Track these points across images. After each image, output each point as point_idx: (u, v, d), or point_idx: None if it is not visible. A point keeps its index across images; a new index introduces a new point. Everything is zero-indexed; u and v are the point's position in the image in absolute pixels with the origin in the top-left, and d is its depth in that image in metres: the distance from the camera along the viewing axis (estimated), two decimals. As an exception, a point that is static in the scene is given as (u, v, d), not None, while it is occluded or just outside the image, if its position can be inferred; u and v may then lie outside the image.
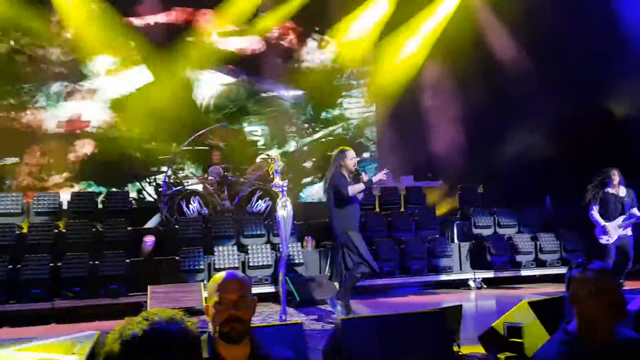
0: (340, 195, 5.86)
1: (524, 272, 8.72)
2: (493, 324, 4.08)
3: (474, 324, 5.17)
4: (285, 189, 5.04)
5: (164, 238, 7.85)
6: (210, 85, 11.32)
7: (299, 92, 11.92)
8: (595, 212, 7.08)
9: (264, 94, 11.67)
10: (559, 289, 7.26)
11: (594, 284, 2.05)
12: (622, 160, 8.50)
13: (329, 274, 6.91)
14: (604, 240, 7.04)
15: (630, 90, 9.66)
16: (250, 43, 11.58)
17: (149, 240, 7.57)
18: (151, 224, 8.95)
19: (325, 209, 9.26)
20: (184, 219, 8.04)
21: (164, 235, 7.96)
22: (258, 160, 9.74)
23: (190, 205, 8.26)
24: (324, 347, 3.84)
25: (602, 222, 7.01)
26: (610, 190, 7.11)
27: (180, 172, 9.17)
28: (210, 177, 8.82)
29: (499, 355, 3.87)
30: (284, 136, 11.72)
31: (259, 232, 7.95)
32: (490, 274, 8.58)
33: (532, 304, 3.82)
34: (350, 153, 5.98)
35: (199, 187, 8.69)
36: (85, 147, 10.37)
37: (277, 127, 11.65)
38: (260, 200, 8.57)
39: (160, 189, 8.71)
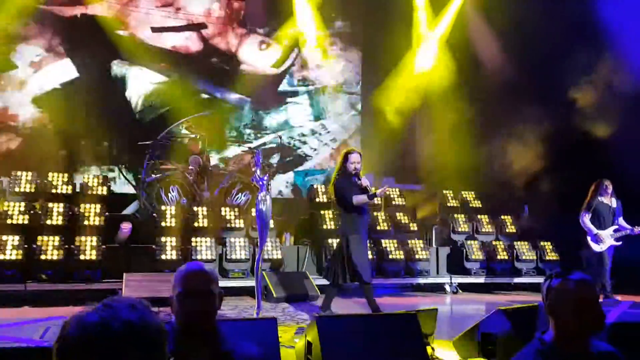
0: (344, 201, 5.75)
1: (500, 279, 8.80)
2: (467, 330, 4.10)
3: (448, 328, 5.18)
4: (265, 183, 4.98)
5: (141, 226, 7.75)
6: (142, 83, 10.54)
7: (240, 96, 11.11)
8: (587, 220, 7.08)
9: (202, 96, 10.92)
10: (533, 297, 7.34)
11: (574, 294, 2.03)
12: (600, 174, 8.64)
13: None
14: (597, 248, 7.05)
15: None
16: (186, 41, 10.96)
17: (126, 227, 7.47)
18: (129, 210, 8.84)
19: (304, 206, 9.33)
20: (162, 207, 7.94)
21: (141, 222, 7.86)
22: (240, 152, 9.64)
23: (169, 194, 8.17)
24: (297, 345, 3.82)
25: (594, 230, 7.03)
26: (603, 199, 7.15)
27: (160, 160, 9.03)
28: (190, 167, 8.73)
29: (471, 360, 3.89)
30: (224, 141, 10.87)
31: (237, 226, 7.89)
32: (466, 280, 8.65)
33: (506, 312, 3.84)
34: (353, 156, 5.81)
35: (179, 176, 8.60)
36: (10, 142, 9.68)
37: (216, 131, 10.57)
38: (240, 194, 8.51)
39: (139, 176, 8.59)
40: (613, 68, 9.55)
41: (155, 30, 10.71)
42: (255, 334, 3.38)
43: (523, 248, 8.97)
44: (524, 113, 10.24)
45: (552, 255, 9.01)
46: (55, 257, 6.82)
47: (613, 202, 7.20)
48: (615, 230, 7.08)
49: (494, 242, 9.05)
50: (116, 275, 6.77)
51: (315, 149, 11.74)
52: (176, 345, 1.93)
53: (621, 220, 7.14)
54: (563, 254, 9.16)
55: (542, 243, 9.10)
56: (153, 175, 8.47)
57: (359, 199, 5.70)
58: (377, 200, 5.95)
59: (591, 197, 7.17)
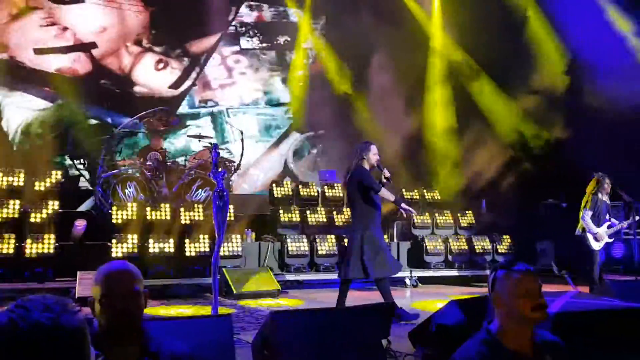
0: (367, 190, 5.51)
1: (458, 272, 8.97)
2: (422, 321, 4.15)
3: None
4: (222, 178, 4.91)
5: (96, 222, 7.56)
6: (22, 111, 9.74)
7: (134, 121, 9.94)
8: (588, 218, 7.08)
9: (91, 121, 10.20)
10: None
11: (517, 285, 2.07)
12: (557, 172, 8.92)
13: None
14: (597, 246, 7.09)
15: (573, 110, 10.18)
16: (74, 63, 10.18)
17: (80, 224, 7.27)
18: (84, 207, 8.61)
19: (265, 202, 9.27)
20: (118, 203, 7.76)
21: (96, 219, 7.66)
22: (201, 148, 9.50)
23: (126, 190, 7.99)
24: (253, 341, 3.78)
25: (594, 229, 7.06)
26: (602, 197, 7.19)
27: (117, 155, 8.82)
28: (148, 162, 8.56)
29: (426, 351, 3.93)
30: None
31: (196, 222, 7.76)
32: (426, 273, 8.77)
33: (459, 303, 3.90)
34: (374, 147, 5.66)
35: (136, 172, 8.42)
36: None
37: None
38: (200, 190, 8.39)
39: (95, 172, 8.37)
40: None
41: (38, 52, 9.91)
42: (210, 332, 3.34)
43: (481, 242, 9.16)
44: (488, 110, 10.50)
45: (508, 249, 9.23)
46: (5, 255, 6.58)
47: (608, 199, 7.28)
48: (608, 227, 7.16)
49: (453, 236, 9.21)
50: (70, 274, 6.60)
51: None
52: (100, 348, 1.80)
53: (612, 218, 7.27)
54: (519, 247, 9.41)
55: (499, 236, 9.31)
56: (109, 171, 8.27)
57: (385, 193, 5.54)
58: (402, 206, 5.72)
59: (592, 195, 7.15)
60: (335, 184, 9.38)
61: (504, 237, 9.38)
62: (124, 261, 2.01)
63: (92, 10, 10.68)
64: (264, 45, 12.76)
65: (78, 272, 6.45)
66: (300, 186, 9.08)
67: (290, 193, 8.92)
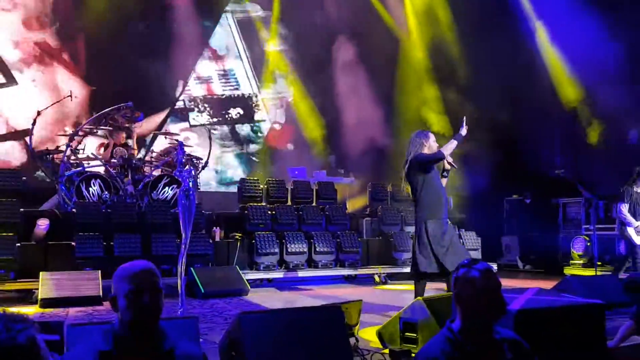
0: (429, 165, 5.29)
1: (426, 269, 9.07)
2: (390, 319, 4.19)
3: (374, 318, 5.27)
4: (187, 176, 4.85)
5: (59, 222, 7.38)
6: None
7: None
8: (625, 211, 6.84)
9: None
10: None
11: (476, 283, 2.13)
12: (514, 165, 9.11)
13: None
14: (638, 240, 6.83)
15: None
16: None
17: (43, 223, 7.09)
18: (47, 206, 8.40)
19: (234, 200, 9.22)
20: (82, 202, 7.59)
21: (59, 218, 7.48)
22: (167, 145, 9.37)
23: (90, 189, 7.81)
24: (220, 342, 3.76)
25: (634, 222, 6.83)
26: (638, 189, 6.95)
27: (81, 152, 8.61)
28: (113, 160, 8.39)
29: (393, 348, 3.97)
30: None
31: (163, 221, 7.66)
32: (394, 269, 8.85)
33: (426, 301, 3.95)
34: (433, 135, 5.45)
35: (101, 170, 8.25)
36: None
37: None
38: (167, 187, 8.27)
39: (57, 169, 8.16)
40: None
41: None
42: (175, 334, 3.30)
43: (448, 238, 9.29)
44: (445, 103, 10.68)
45: (473, 244, 9.39)
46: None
47: None
48: None
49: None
50: (32, 275, 6.42)
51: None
52: (116, 344, 1.92)
53: None
54: (485, 243, 9.60)
55: (465, 232, 9.45)
56: (73, 169, 8.08)
57: (447, 146, 5.27)
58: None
59: (627, 187, 6.92)
60: (304, 181, 9.38)
61: (470, 233, 9.53)
62: (145, 260, 2.10)
63: (26, 92, 10.01)
64: (215, 120, 12.55)
65: (41, 273, 6.29)
66: (269, 183, 9.05)
67: (260, 190, 8.89)
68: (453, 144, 5.40)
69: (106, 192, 7.89)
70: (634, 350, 4.01)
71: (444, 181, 5.57)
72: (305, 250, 8.29)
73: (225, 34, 12.82)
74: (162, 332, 2.01)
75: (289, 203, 9.02)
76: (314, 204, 9.17)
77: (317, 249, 8.37)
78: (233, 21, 12.82)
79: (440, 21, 11.29)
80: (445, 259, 5.25)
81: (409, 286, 8.35)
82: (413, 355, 3.79)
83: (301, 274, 8.25)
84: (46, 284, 6.18)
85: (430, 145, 5.43)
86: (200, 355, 2.07)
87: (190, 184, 4.62)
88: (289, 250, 8.17)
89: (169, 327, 2.04)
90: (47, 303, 6.00)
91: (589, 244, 9.18)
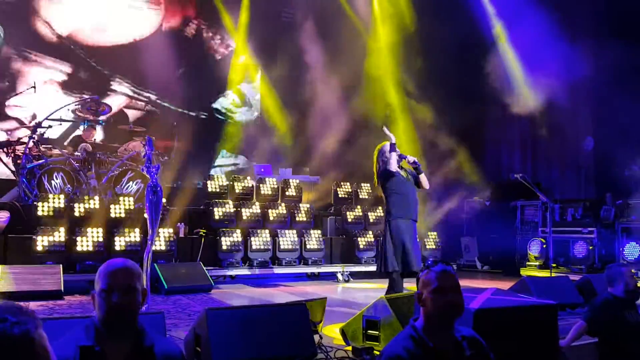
0: (386, 176, 5.79)
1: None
2: (353, 317, 4.29)
3: (337, 316, 5.37)
4: (155, 172, 4.83)
5: (19, 215, 7.21)
6: None
7: None
8: None
9: None
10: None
11: (434, 283, 2.25)
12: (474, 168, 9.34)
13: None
14: None
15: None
16: None
17: (3, 216, 6.92)
18: (6, 198, 8.18)
19: (199, 196, 9.19)
20: (44, 195, 7.43)
21: (20, 211, 7.30)
22: (133, 138, 9.24)
23: (52, 181, 7.65)
24: (186, 337, 3.78)
25: None
26: None
27: (43, 144, 8.42)
28: (76, 153, 8.23)
29: (356, 345, 4.07)
30: None
31: (127, 216, 7.57)
32: (357, 268, 8.99)
33: (389, 299, 4.07)
34: (389, 145, 5.86)
35: (64, 163, 8.08)
36: None
37: None
38: (131, 182, 8.17)
39: (19, 161, 7.96)
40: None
41: None
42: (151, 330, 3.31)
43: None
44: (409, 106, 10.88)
45: (433, 245, 9.62)
46: None
47: None
48: None
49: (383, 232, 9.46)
50: (-10, 268, 6.25)
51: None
52: (97, 341, 1.95)
53: None
54: (445, 243, 9.85)
55: (426, 233, 9.68)
56: (35, 161, 7.89)
57: (391, 159, 5.74)
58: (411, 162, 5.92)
59: None
60: (269, 179, 9.42)
61: (431, 233, 9.75)
62: (124, 259, 2.11)
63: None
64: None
65: (0, 267, 6.16)
66: (234, 180, 9.04)
67: (225, 187, 8.87)
68: (394, 156, 5.82)
69: (69, 186, 7.75)
70: (584, 349, 4.22)
71: (422, 177, 5.98)
72: (270, 247, 8.33)
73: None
74: (141, 329, 2.04)
75: (254, 200, 9.03)
76: (279, 201, 9.21)
77: (281, 247, 8.42)
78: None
79: (404, 26, 11.48)
80: (409, 259, 5.61)
81: (372, 284, 8.51)
82: (375, 352, 3.90)
83: (265, 271, 8.29)
84: (5, 278, 6.04)
85: (388, 158, 5.85)
86: (179, 352, 2.12)
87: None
88: (253, 247, 8.19)
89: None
90: (5, 297, 5.86)
91: (544, 246, 9.52)
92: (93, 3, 11.33)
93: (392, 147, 5.84)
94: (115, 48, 11.55)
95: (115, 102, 11.05)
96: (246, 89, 13.08)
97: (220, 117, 12.70)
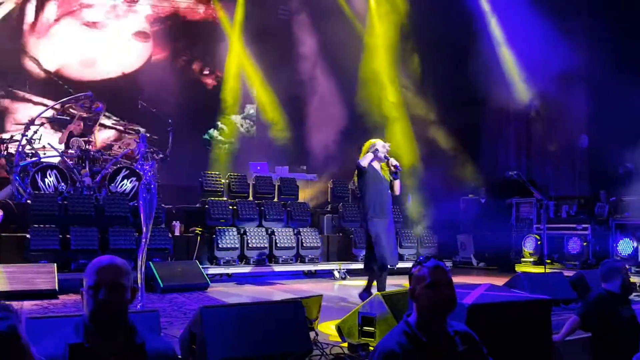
0: (358, 171, 5.99)
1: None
2: (349, 314, 4.30)
3: (334, 313, 5.37)
4: (149, 170, 4.81)
5: (13, 213, 7.18)
6: None
7: None
8: None
9: None
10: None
11: (427, 279, 2.26)
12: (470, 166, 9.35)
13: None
14: None
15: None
16: None
17: (-4, 214, 6.89)
18: (0, 196, 8.15)
19: (195, 194, 9.17)
20: (37, 193, 7.40)
21: (13, 209, 7.28)
22: (127, 136, 9.21)
23: (46, 179, 7.62)
24: (181, 335, 3.78)
25: None
26: None
27: (37, 142, 8.38)
28: (70, 150, 8.21)
29: (352, 342, 4.07)
30: None
31: (121, 214, 7.55)
32: (353, 265, 8.99)
33: (384, 296, 4.07)
34: (375, 142, 6.08)
35: (57, 160, 8.05)
36: None
37: None
38: (126, 180, 8.14)
39: (12, 159, 7.92)
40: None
41: None
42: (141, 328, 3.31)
43: (405, 235, 9.50)
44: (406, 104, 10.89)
45: (431, 242, 9.63)
46: None
47: None
48: None
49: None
50: (-16, 267, 6.23)
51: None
52: (86, 338, 1.95)
53: None
54: (441, 241, 9.87)
55: (423, 230, 9.69)
56: (28, 159, 7.86)
57: (366, 156, 5.94)
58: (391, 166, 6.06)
59: None
60: (266, 177, 9.41)
61: (428, 231, 9.77)
62: (112, 256, 2.10)
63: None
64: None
65: (-8, 265, 6.13)
66: (231, 178, 9.03)
67: (221, 185, 8.86)
68: (369, 155, 6.03)
69: (63, 184, 7.72)
70: (578, 344, 4.24)
71: (396, 183, 6.15)
72: (266, 245, 8.32)
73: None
74: (132, 326, 2.03)
75: (251, 198, 9.03)
76: (275, 199, 9.21)
77: (278, 245, 8.41)
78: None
79: (400, 22, 11.47)
80: (385, 255, 5.86)
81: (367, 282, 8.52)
82: (371, 348, 3.90)
83: (262, 269, 8.29)
84: (-1, 277, 6.02)
85: (364, 153, 6.08)
86: (171, 349, 2.11)
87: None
88: (250, 245, 8.19)
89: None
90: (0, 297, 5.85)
91: (539, 242, 9.54)
92: (82, 38, 11.22)
93: (375, 151, 6.01)
94: (105, 82, 11.51)
95: (104, 135, 11.01)
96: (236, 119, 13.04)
97: (208, 147, 12.64)
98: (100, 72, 11.55)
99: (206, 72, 12.96)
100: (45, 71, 11.03)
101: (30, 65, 10.99)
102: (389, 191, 6.15)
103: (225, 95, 12.56)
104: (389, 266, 6.00)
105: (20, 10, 11.02)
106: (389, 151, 6.11)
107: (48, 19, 11.26)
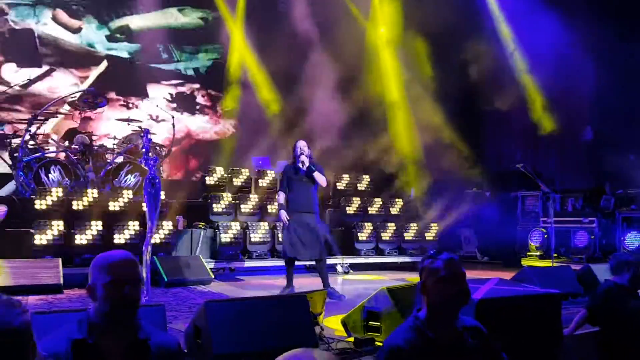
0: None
1: (388, 259, 9.23)
2: (354, 308, 4.26)
3: (338, 307, 5.34)
4: (153, 165, 4.78)
5: (17, 208, 7.16)
6: None
7: None
8: None
9: None
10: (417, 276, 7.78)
11: (440, 272, 2.20)
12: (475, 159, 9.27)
13: None
14: None
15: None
16: None
17: (1, 210, 6.88)
18: (4, 192, 8.13)
19: (197, 189, 9.16)
20: (41, 188, 7.37)
21: (17, 205, 7.26)
22: (130, 131, 9.18)
23: (50, 175, 7.60)
24: (186, 329, 3.76)
25: None
26: None
27: (40, 137, 8.36)
28: (74, 146, 8.18)
29: (357, 336, 4.04)
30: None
31: (125, 209, 7.52)
32: (356, 260, 8.96)
33: (390, 290, 4.03)
34: (298, 143, 6.51)
35: (61, 156, 8.02)
36: None
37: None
38: (129, 175, 8.11)
39: (16, 154, 7.90)
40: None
41: None
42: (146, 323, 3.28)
43: (409, 229, 9.46)
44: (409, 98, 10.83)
45: (435, 237, 9.60)
46: None
47: None
48: None
49: (382, 223, 9.44)
50: (-12, 262, 6.21)
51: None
52: (91, 334, 1.92)
53: None
54: (445, 235, 9.83)
55: (426, 223, 9.65)
56: (31, 154, 7.83)
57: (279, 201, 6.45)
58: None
59: None
60: (268, 171, 9.36)
61: (432, 224, 9.72)
62: (123, 250, 2.08)
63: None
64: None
65: (-3, 261, 6.11)
66: (232, 173, 8.99)
67: (223, 180, 8.82)
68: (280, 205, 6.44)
69: (66, 179, 7.70)
70: (587, 338, 4.20)
71: (316, 176, 6.45)
72: (269, 240, 8.29)
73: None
74: (137, 321, 2.01)
75: (253, 193, 8.99)
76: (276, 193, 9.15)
77: (280, 239, 8.38)
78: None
79: (403, 14, 11.39)
80: (297, 249, 6.22)
81: (371, 276, 8.50)
82: (377, 343, 3.87)
83: (264, 263, 8.26)
84: (3, 272, 6.01)
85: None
86: (175, 344, 2.08)
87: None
88: (252, 240, 8.16)
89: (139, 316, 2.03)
90: (3, 292, 5.80)
91: (545, 236, 9.49)
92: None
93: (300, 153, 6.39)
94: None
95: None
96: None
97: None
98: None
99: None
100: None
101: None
102: (310, 188, 6.46)
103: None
104: (295, 261, 6.35)
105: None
106: (302, 150, 6.43)
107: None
